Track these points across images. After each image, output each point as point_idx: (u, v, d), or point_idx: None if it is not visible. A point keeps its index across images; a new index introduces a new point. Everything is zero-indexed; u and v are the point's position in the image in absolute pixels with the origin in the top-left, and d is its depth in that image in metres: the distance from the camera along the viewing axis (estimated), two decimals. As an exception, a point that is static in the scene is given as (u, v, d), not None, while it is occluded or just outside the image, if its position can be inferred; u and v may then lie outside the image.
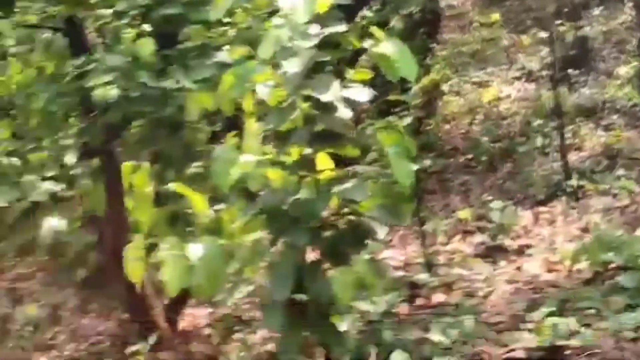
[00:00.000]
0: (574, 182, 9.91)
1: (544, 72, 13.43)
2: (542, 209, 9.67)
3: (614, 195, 9.55)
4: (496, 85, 14.83)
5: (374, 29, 4.42)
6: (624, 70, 13.28)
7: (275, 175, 4.45)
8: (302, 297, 4.37)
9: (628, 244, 7.14)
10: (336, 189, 4.29)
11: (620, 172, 10.29)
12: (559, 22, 12.84)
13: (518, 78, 14.88)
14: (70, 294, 9.08)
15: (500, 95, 14.33)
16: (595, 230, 8.17)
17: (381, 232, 4.43)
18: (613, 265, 7.02)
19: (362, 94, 4.31)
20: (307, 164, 4.39)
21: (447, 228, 9.44)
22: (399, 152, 4.36)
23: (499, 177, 11.28)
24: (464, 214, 9.48)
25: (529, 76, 14.53)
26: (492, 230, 8.99)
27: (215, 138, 7.93)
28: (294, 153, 4.40)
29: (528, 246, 8.64)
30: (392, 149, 4.37)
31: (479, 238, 9.10)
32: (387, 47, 4.33)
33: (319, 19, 4.32)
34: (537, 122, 12.13)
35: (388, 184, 4.54)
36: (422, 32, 12.49)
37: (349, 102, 4.28)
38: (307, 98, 4.23)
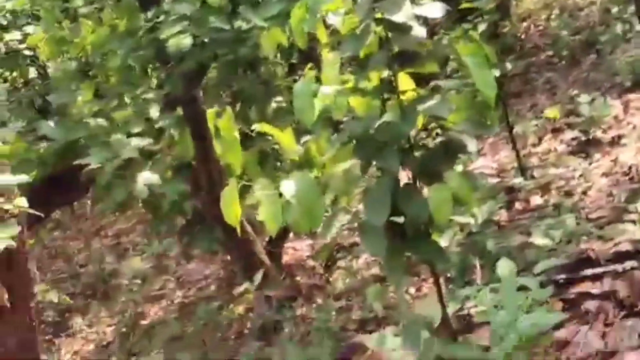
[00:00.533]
0: (660, 64, 9.69)
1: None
2: (630, 96, 9.46)
3: None
4: (568, -25, 14.52)
5: (437, -60, 4.34)
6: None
7: (358, 103, 4.44)
8: (400, 219, 4.37)
9: None
10: (420, 107, 4.26)
11: None
12: None
13: (590, -34, 14.54)
14: (171, 243, 9.26)
15: (575, -14, 14.04)
16: (689, 111, 7.98)
17: (471, 144, 4.39)
18: None
19: (435, 10, 4.24)
20: (388, 86, 4.36)
21: (537, 129, 9.32)
22: (478, 62, 4.30)
23: (583, 70, 11.07)
24: (552, 112, 9.33)
25: (602, -38, 14.17)
26: (582, 125, 8.85)
27: (292, 71, 7.95)
28: (373, 78, 4.37)
29: (621, 136, 8.49)
30: (470, 60, 4.31)
31: (570, 134, 8.98)
32: (453, -44, 4.26)
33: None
34: (616, 8, 11.83)
35: (471, 94, 4.50)
36: None
37: (422, 20, 4.23)
38: (380, 21, 4.19)
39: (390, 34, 4.23)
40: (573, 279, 5.43)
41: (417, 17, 4.18)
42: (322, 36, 4.56)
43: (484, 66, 4.29)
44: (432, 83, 4.57)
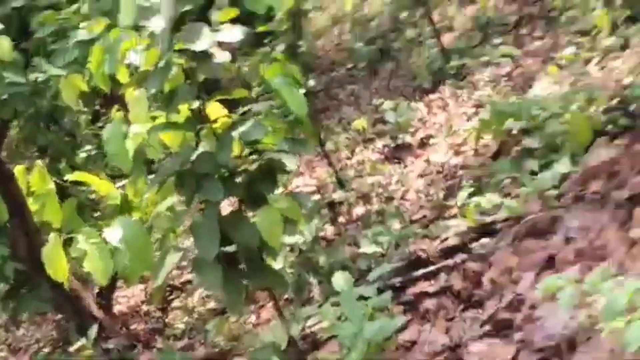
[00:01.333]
0: (455, 62, 9.99)
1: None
2: (432, 97, 9.72)
3: (497, 65, 9.61)
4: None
5: (226, -34, 4.33)
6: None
7: (171, 138, 4.37)
8: (231, 248, 4.33)
9: (524, 107, 7.15)
10: (235, 133, 4.23)
11: (496, 40, 10.36)
12: None
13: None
14: (-5, 311, 8.88)
15: (360, -2, 14.31)
16: (489, 103, 8.18)
17: (290, 163, 4.39)
18: (515, 131, 7.04)
19: (235, 34, 4.21)
20: (199, 117, 4.31)
21: (348, 142, 9.44)
22: (285, 82, 4.32)
23: (382, 78, 11.31)
24: (360, 123, 9.44)
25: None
26: (391, 132, 9.02)
27: (97, 118, 7.80)
28: (183, 111, 4.31)
29: (429, 137, 8.70)
30: (277, 80, 4.32)
31: (380, 142, 9.13)
32: (243, -20, 4.25)
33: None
34: (404, 14, 12.10)
35: (282, 114, 4.51)
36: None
37: (223, 45, 4.20)
38: (182, 52, 4.14)
39: (193, 64, 4.18)
40: (408, 281, 5.50)
41: (218, 44, 4.15)
42: (123, 76, 4.46)
43: (291, 85, 4.30)
44: (242, 108, 4.56)
